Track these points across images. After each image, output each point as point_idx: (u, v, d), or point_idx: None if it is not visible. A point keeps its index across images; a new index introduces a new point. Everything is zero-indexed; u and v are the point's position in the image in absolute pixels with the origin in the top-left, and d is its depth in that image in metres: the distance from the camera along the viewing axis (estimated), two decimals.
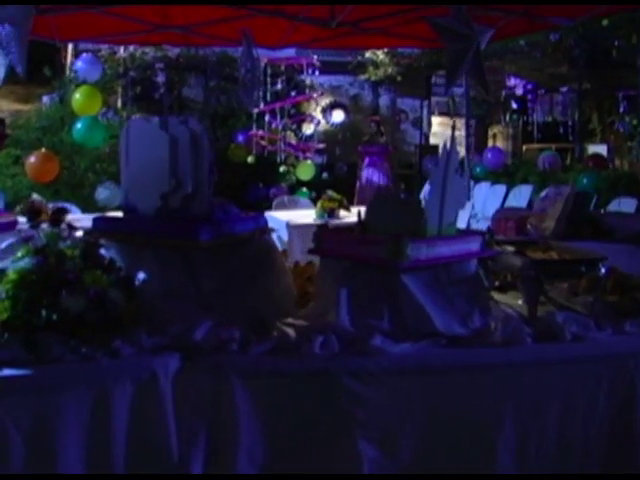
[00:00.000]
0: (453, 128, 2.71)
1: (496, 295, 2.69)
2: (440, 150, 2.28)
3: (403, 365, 2.14)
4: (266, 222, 2.62)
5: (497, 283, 2.91)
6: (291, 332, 2.25)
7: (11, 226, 4.25)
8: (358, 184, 10.08)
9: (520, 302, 2.65)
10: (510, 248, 2.65)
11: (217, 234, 2.36)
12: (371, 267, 2.27)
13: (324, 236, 2.44)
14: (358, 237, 2.41)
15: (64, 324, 2.02)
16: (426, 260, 2.24)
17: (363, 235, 2.41)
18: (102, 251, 2.29)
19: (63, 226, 2.23)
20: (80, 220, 3.06)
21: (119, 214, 2.68)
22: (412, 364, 2.15)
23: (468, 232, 2.50)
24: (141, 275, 2.24)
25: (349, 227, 2.56)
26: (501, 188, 9.11)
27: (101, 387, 1.97)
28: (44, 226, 2.24)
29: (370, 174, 9.97)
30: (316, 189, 9.83)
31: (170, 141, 2.36)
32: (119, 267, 2.23)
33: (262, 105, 9.52)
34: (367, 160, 10.06)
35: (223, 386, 2.05)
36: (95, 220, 2.55)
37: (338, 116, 12.77)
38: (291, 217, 5.32)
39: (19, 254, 2.15)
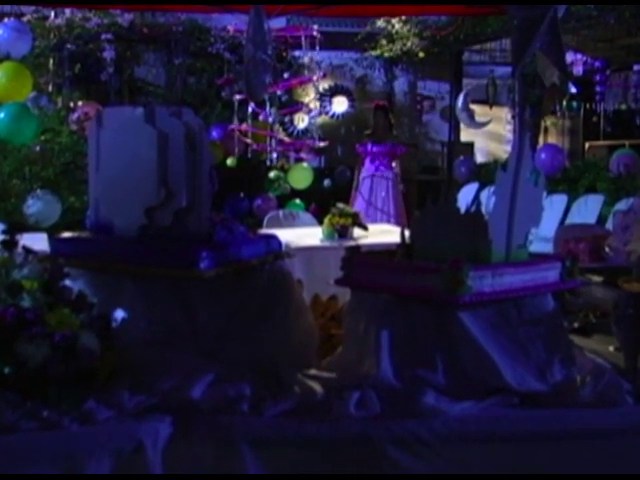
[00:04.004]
0: (522, 121, 2.77)
1: (577, 339, 2.74)
2: (510, 150, 2.33)
3: (463, 430, 2.18)
4: (280, 244, 2.67)
5: (576, 324, 2.96)
6: (317, 387, 2.30)
7: None
8: (351, 200, 8.89)
9: (612, 349, 2.71)
10: (596, 278, 2.70)
11: (220, 261, 2.40)
12: (420, 302, 2.32)
13: (356, 263, 2.49)
14: (402, 264, 2.47)
15: (20, 380, 2.06)
16: (492, 293, 2.30)
17: (409, 261, 2.46)
18: (67, 282, 2.33)
19: (18, 250, 2.27)
20: None
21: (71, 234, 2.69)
22: (475, 429, 2.20)
23: (544, 257, 2.55)
24: (120, 314, 2.27)
25: (389, 251, 2.62)
26: (561, 199, 9.11)
27: (70, 462, 2.00)
28: None
29: (369, 187, 8.88)
30: (313, 200, 9.81)
31: (158, 138, 2.40)
32: (91, 304, 2.27)
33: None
34: (367, 166, 9.01)
35: (230, 458, 2.09)
36: (54, 242, 2.59)
37: (340, 104, 12.82)
38: (290, 237, 5.32)
39: None
